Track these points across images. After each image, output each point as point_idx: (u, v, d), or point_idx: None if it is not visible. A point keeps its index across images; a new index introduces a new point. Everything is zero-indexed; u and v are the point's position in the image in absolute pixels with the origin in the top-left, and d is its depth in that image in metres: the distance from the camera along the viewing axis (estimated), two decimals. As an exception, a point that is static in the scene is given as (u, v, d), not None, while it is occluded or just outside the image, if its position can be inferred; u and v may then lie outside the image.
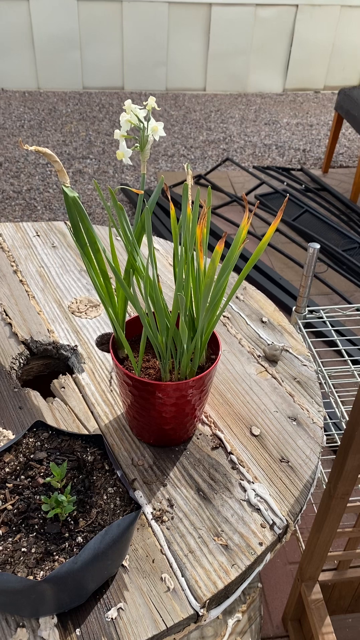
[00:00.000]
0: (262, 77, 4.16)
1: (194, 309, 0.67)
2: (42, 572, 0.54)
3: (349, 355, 1.81)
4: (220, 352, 0.70)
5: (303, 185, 2.89)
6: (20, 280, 1.01)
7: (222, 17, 3.86)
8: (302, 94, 4.23)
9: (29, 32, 3.74)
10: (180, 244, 0.63)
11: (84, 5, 3.70)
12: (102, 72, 3.95)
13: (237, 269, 2.23)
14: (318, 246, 1.06)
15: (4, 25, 3.69)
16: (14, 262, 1.06)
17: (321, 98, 4.16)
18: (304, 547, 1.12)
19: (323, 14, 3.96)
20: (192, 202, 0.62)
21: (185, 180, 0.66)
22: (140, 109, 0.63)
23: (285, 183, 2.90)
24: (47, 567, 0.55)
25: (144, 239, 1.11)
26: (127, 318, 0.74)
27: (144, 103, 0.63)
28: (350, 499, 0.98)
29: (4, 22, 3.68)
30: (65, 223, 1.18)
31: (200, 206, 2.77)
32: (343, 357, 1.71)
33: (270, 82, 4.19)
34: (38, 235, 1.14)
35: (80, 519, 0.59)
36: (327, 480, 0.94)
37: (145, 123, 0.63)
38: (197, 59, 4.01)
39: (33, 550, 0.56)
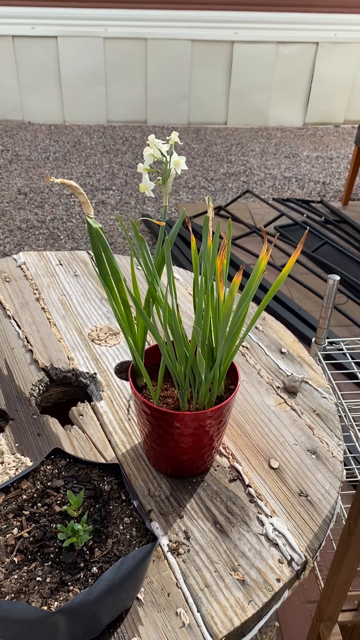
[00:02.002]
0: (283, 111, 4.23)
1: (213, 338, 0.67)
2: (56, 603, 0.54)
3: (370, 388, 1.79)
4: (239, 383, 0.70)
5: (323, 217, 2.90)
6: (42, 308, 1.03)
7: (244, 54, 3.96)
8: (323, 127, 4.28)
9: (56, 68, 3.87)
10: (200, 274, 0.64)
11: (110, 43, 3.83)
12: (126, 107, 4.06)
13: (257, 300, 2.23)
14: (338, 278, 1.06)
15: (33, 62, 3.83)
16: (36, 289, 1.08)
17: (341, 132, 4.21)
18: (322, 586, 1.09)
19: (343, 51, 4.04)
20: (213, 233, 0.63)
21: (206, 212, 0.67)
22: (163, 143, 0.65)
23: (305, 215, 2.92)
24: (61, 598, 0.54)
25: (165, 269, 1.13)
26: (147, 347, 0.75)
27: (167, 138, 0.65)
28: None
29: (33, 59, 3.82)
30: (88, 252, 1.21)
31: (221, 237, 2.80)
32: (363, 389, 1.68)
33: (291, 116, 4.26)
34: (61, 264, 1.16)
35: (96, 549, 0.59)
36: (346, 516, 0.92)
37: (168, 157, 0.65)
38: (219, 94, 4.10)
39: (48, 579, 0.56)
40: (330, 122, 4.32)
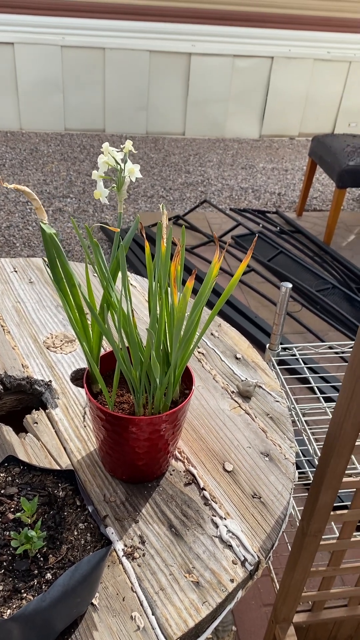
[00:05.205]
0: (240, 123, 4.31)
1: (168, 343, 0.68)
2: (9, 611, 0.53)
3: (321, 392, 1.83)
4: (193, 387, 0.71)
5: (278, 228, 2.97)
6: (-3, 315, 1.02)
7: (201, 66, 4.02)
8: (278, 140, 4.38)
9: (12, 75, 3.83)
10: (154, 280, 0.65)
11: (67, 52, 3.82)
12: (84, 115, 4.06)
13: (212, 306, 2.26)
14: (290, 285, 1.09)
15: (-12, 68, 3.78)
16: (-10, 297, 1.06)
17: (296, 144, 4.32)
18: (278, 589, 1.10)
19: (297, 66, 4.16)
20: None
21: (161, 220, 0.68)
22: (117, 151, 0.66)
23: (261, 225, 2.97)
24: (14, 605, 0.54)
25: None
26: (102, 353, 0.75)
27: (121, 146, 0.66)
28: (323, 537, 0.98)
29: (-11, 65, 3.77)
30: (43, 259, 1.20)
31: (175, 244, 2.82)
32: (316, 394, 1.73)
33: (247, 128, 4.34)
34: (15, 271, 1.15)
35: (50, 555, 0.58)
36: (300, 518, 0.94)
37: (122, 165, 0.65)
38: (177, 105, 4.15)
39: (0, 588, 0.55)
40: (285, 134, 4.43)
